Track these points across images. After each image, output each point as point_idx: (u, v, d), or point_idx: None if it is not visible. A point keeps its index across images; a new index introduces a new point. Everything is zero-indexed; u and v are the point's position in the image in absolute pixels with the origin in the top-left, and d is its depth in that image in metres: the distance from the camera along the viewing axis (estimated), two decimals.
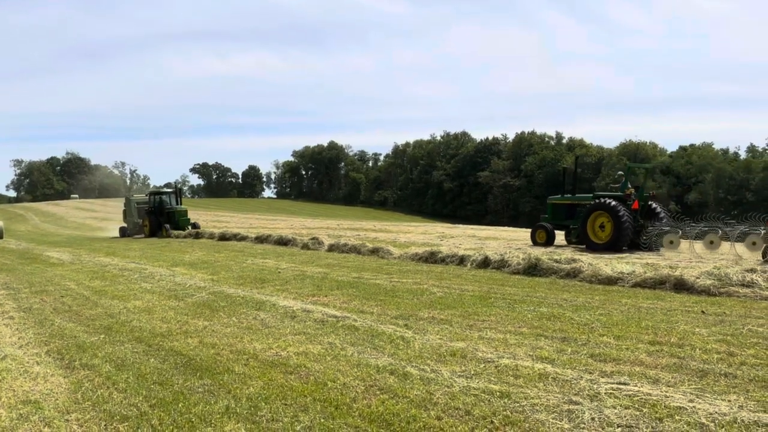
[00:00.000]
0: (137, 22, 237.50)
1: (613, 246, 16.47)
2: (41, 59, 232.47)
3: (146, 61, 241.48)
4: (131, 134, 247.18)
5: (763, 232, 13.68)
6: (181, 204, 33.12)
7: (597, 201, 17.39)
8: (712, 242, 14.44)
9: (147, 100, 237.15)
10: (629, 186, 17.63)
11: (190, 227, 31.16)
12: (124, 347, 7.29)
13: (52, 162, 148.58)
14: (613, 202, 16.77)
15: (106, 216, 59.10)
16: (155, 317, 9.06)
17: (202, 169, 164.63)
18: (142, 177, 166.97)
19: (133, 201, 35.41)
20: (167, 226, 30.55)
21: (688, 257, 14.40)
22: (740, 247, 14.26)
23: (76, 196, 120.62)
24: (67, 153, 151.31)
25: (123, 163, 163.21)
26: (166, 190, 35.88)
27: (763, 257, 13.27)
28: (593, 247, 16.83)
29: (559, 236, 19.43)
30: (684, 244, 15.53)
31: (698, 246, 14.96)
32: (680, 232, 15.36)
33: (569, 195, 20.00)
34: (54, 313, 9.89)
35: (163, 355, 6.84)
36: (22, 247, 28.08)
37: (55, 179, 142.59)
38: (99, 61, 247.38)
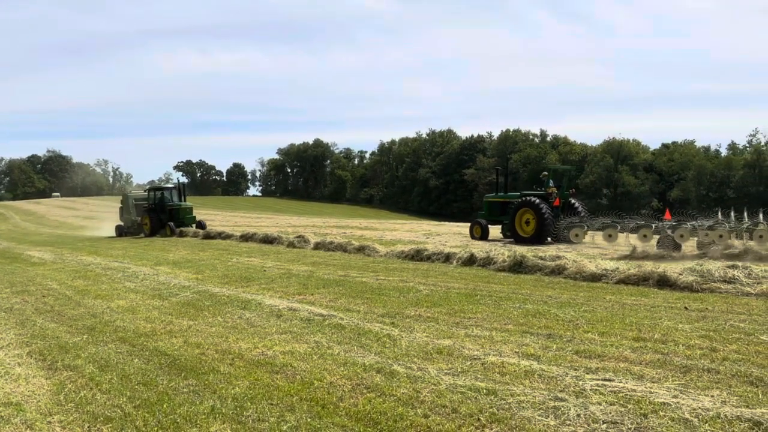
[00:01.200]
0: (120, 18, 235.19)
1: (537, 239, 18.47)
2: (21, 56, 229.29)
3: (129, 58, 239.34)
4: (114, 132, 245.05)
5: (653, 226, 15.48)
6: (185, 201, 31.13)
7: (523, 199, 19.52)
8: (610, 235, 15.98)
9: (130, 97, 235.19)
10: (551, 185, 19.80)
11: (194, 226, 29.43)
12: (108, 347, 7.20)
13: (33, 160, 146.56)
14: (536, 200, 18.97)
15: (89, 214, 58.48)
16: (139, 317, 8.97)
17: (185, 167, 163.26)
18: (124, 175, 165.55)
19: (130, 198, 33.68)
20: (171, 224, 28.65)
21: (591, 247, 16.74)
22: (634, 239, 15.77)
23: (58, 194, 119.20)
24: (48, 151, 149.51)
25: (105, 161, 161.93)
26: (167, 185, 33.96)
27: (657, 248, 15.10)
28: (520, 240, 18.82)
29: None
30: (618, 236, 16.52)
31: (598, 238, 16.72)
32: (586, 226, 17.00)
33: (502, 194, 22.29)
34: (36, 313, 9.76)
35: (147, 355, 6.78)
36: (2, 246, 27.68)
37: (36, 177, 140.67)
38: (81, 57, 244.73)
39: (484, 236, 21.12)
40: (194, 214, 30.61)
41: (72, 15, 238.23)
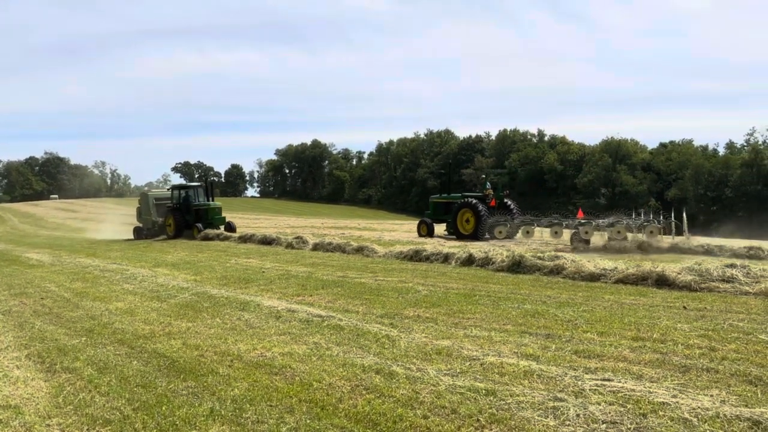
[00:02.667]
0: (117, 18, 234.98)
1: (475, 236, 20.45)
2: (18, 57, 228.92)
3: (126, 59, 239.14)
4: (112, 133, 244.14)
5: (564, 224, 17.76)
6: (213, 200, 28.65)
7: (463, 200, 21.74)
8: (528, 232, 18.45)
9: (128, 99, 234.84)
10: (488, 187, 22.21)
11: (222, 227, 27.04)
12: (106, 350, 7.20)
13: (30, 162, 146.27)
14: (474, 201, 21.23)
15: (87, 216, 58.42)
16: (137, 319, 8.96)
17: (184, 168, 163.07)
18: (122, 177, 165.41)
19: (150, 197, 31.07)
20: (199, 225, 26.23)
21: (514, 242, 18.56)
22: (547, 234, 18.17)
23: (56, 196, 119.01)
24: (46, 153, 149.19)
25: (103, 163, 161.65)
26: (193, 183, 30.78)
27: (570, 243, 16.99)
28: (461, 237, 20.92)
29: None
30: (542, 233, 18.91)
31: (519, 234, 19.21)
32: (508, 225, 19.41)
33: (446, 195, 24.09)
34: (34, 315, 9.74)
35: (146, 357, 6.77)
36: (1, 248, 27.62)
37: (34, 179, 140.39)
38: (78, 58, 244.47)
39: (429, 233, 22.99)
40: (224, 215, 28.11)
41: (69, 15, 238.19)
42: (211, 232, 25.64)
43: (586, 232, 16.58)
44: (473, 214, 20.99)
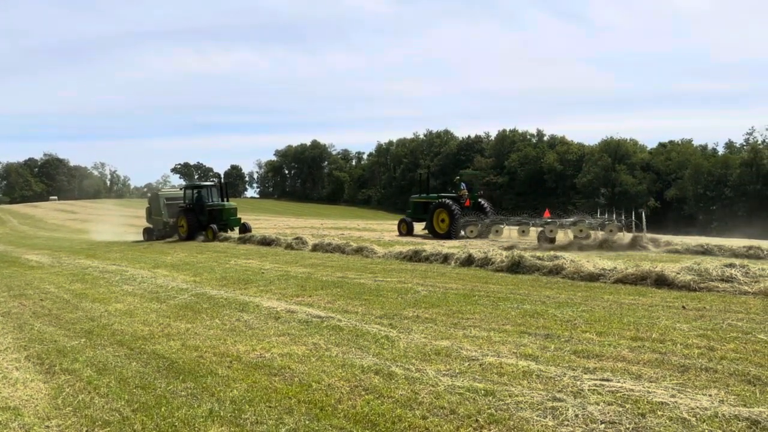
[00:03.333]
0: (116, 20, 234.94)
1: (449, 235, 21.22)
2: (17, 58, 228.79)
3: (125, 60, 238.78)
4: (111, 134, 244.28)
5: (531, 223, 19.09)
6: (227, 200, 27.25)
7: (438, 201, 22.74)
8: (497, 231, 19.79)
9: (127, 100, 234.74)
10: (462, 188, 23.12)
11: (237, 229, 25.96)
12: (106, 351, 7.20)
13: (30, 163, 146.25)
14: (449, 201, 22.19)
15: (87, 218, 58.41)
16: (137, 320, 8.96)
17: (183, 170, 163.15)
18: (122, 178, 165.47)
19: (161, 197, 29.85)
20: (214, 226, 25.00)
21: (483, 240, 19.56)
22: (514, 233, 19.63)
23: (55, 197, 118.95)
24: (45, 154, 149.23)
25: (103, 164, 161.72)
26: (206, 183, 29.26)
27: (537, 241, 17.88)
28: (437, 236, 21.72)
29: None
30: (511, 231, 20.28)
31: (492, 231, 20.27)
32: (479, 224, 20.54)
33: (425, 195, 25.23)
34: (33, 317, 9.74)
35: (145, 358, 6.77)
36: (0, 249, 27.62)
37: (33, 181, 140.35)
38: (77, 59, 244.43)
39: (409, 232, 24.04)
40: (239, 216, 26.95)
41: (68, 17, 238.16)
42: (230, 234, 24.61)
43: (551, 231, 17.81)
44: (448, 214, 21.94)
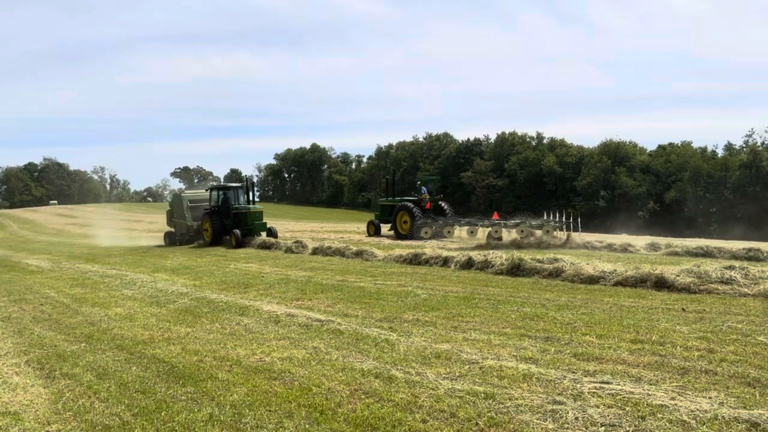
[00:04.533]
0: (115, 24, 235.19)
1: (411, 236, 22.32)
2: (16, 63, 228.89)
3: (125, 64, 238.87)
4: (110, 139, 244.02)
5: (479, 225, 20.49)
6: (254, 203, 25.33)
7: (401, 204, 23.99)
8: (449, 231, 21.07)
9: (126, 104, 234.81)
10: (423, 192, 24.56)
11: (263, 234, 24.03)
12: (106, 355, 7.20)
13: (29, 168, 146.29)
14: (410, 204, 23.54)
15: (86, 222, 58.37)
16: (137, 324, 8.96)
17: (182, 173, 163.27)
18: (122, 182, 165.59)
19: (185, 199, 27.78)
20: (237, 231, 22.85)
21: (439, 240, 20.70)
22: (464, 233, 20.93)
23: (55, 202, 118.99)
24: (45, 159, 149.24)
25: (102, 168, 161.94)
26: (233, 184, 26.54)
27: (486, 240, 19.36)
28: (400, 237, 23.02)
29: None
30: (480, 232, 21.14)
31: (444, 232, 21.37)
32: (433, 226, 21.94)
33: (390, 198, 26.36)
34: (33, 321, 9.74)
35: (146, 362, 6.77)
36: (0, 254, 27.61)
37: (33, 185, 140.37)
38: (76, 64, 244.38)
39: (377, 233, 25.51)
40: (264, 220, 24.98)
41: (67, 21, 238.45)
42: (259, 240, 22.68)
43: (496, 231, 19.52)
44: (409, 216, 23.28)
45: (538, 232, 18.49)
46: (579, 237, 18.31)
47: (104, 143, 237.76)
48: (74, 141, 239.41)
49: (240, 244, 22.44)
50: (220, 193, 25.14)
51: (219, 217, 24.40)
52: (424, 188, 25.09)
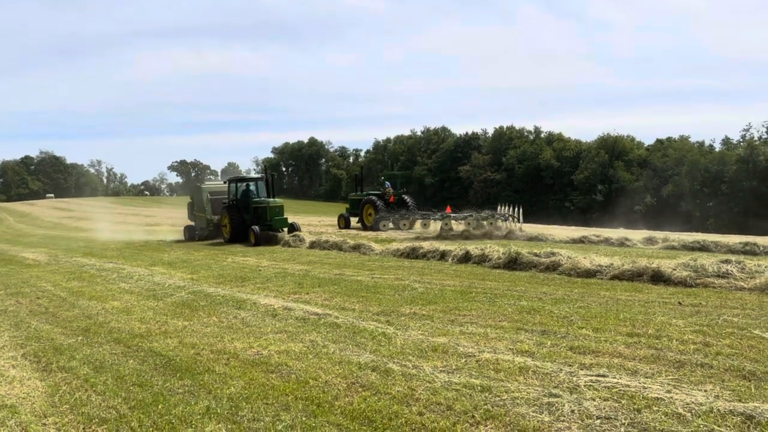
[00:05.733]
0: (111, 18, 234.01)
1: (374, 227, 23.85)
2: (12, 56, 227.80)
3: (121, 58, 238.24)
4: (107, 132, 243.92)
5: (432, 218, 22.16)
6: (274, 196, 23.15)
7: (366, 198, 26.12)
8: (405, 224, 22.81)
9: (123, 98, 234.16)
10: (387, 186, 26.58)
11: (285, 230, 22.20)
12: (103, 349, 7.20)
13: (26, 161, 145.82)
14: (374, 198, 25.66)
15: (83, 215, 58.23)
16: (134, 318, 8.96)
17: (180, 167, 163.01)
18: (119, 175, 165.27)
19: (205, 191, 25.76)
20: (256, 228, 21.04)
21: (401, 231, 22.35)
22: (418, 225, 22.69)
23: (52, 195, 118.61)
24: (41, 152, 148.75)
25: (99, 162, 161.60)
26: (254, 176, 24.86)
27: (439, 231, 20.65)
28: (366, 228, 24.86)
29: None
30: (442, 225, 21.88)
31: (400, 225, 23.02)
32: (390, 218, 23.41)
33: (360, 193, 28.14)
34: (30, 315, 9.73)
35: (142, 356, 6.77)
36: None
37: (29, 179, 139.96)
38: (72, 58, 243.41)
39: (347, 226, 27.21)
40: (286, 215, 22.86)
41: (63, 15, 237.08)
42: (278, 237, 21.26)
43: (446, 224, 21.06)
44: (373, 209, 25.16)
45: (485, 223, 20.62)
46: (521, 228, 20.80)
47: (101, 137, 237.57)
48: (71, 134, 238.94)
49: (259, 242, 20.59)
50: (240, 185, 23.28)
51: (238, 213, 22.44)
52: (387, 183, 27.03)
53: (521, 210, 22.16)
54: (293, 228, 22.71)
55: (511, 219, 21.25)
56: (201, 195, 25.87)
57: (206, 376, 5.84)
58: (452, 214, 21.92)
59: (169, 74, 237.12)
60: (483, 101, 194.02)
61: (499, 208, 22.90)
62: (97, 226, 40.97)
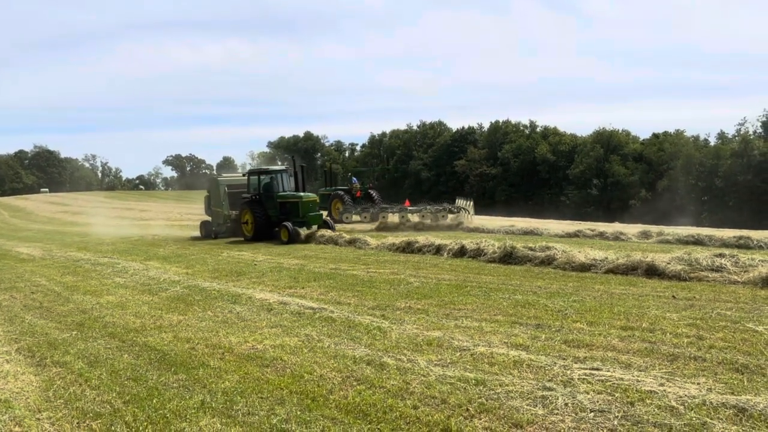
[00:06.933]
0: (106, 11, 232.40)
1: (340, 220, 25.43)
2: (5, 50, 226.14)
3: (116, 52, 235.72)
4: (101, 126, 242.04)
5: (390, 212, 23.93)
6: (305, 190, 21.19)
7: (334, 192, 28.48)
8: (365, 216, 25.09)
9: (117, 92, 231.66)
10: (354, 182, 29.07)
11: (316, 227, 20.18)
12: (97, 343, 7.19)
13: (20, 155, 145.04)
14: (341, 193, 27.94)
15: (78, 210, 58.03)
16: (128, 312, 8.94)
17: (175, 161, 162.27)
18: (113, 170, 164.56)
19: (222, 184, 23.82)
20: (289, 225, 19.02)
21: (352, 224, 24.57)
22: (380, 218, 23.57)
23: (47, 189, 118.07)
24: (35, 146, 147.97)
25: (94, 156, 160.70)
26: (276, 167, 23.03)
27: (398, 220, 22.93)
28: (335, 221, 24.65)
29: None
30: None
31: (356, 218, 25.58)
32: (352, 212, 25.83)
33: (329, 188, 30.51)
34: (24, 309, 9.71)
35: (137, 350, 6.77)
36: None
37: (24, 173, 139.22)
38: (66, 51, 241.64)
39: None
40: (320, 211, 21.34)
41: (57, 9, 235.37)
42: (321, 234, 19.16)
43: (402, 216, 23.28)
44: (341, 203, 27.19)
45: (439, 215, 23.12)
46: (471, 220, 23.20)
47: (95, 131, 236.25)
48: (65, 129, 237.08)
49: (293, 240, 18.68)
50: (262, 177, 21.43)
51: (261, 208, 20.50)
52: (354, 179, 29.41)
53: (473, 204, 24.62)
54: (328, 225, 20.81)
55: (463, 212, 23.36)
56: (218, 188, 23.81)
57: (201, 370, 5.84)
58: (409, 208, 24.48)
59: (164, 68, 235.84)
60: (479, 95, 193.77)
61: (457, 201, 24.98)
62: (92, 221, 40.85)
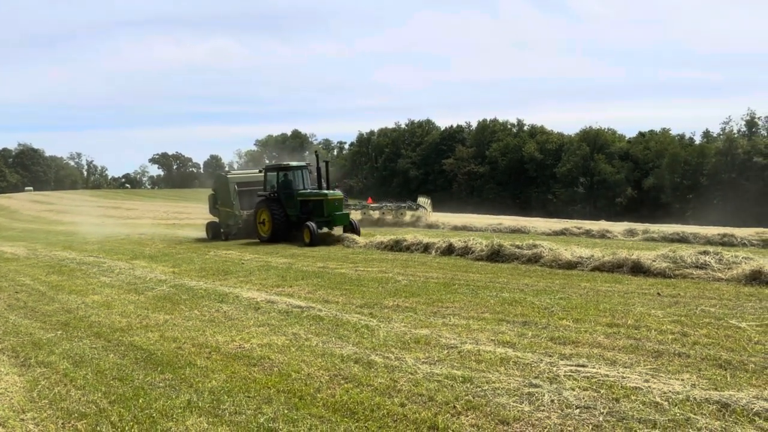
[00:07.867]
0: (92, 8, 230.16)
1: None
2: None
3: (101, 49, 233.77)
4: (87, 124, 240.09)
5: (353, 209, 24.94)
6: (329, 188, 19.48)
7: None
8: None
9: (103, 90, 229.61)
10: None
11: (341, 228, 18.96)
12: (83, 343, 7.13)
13: (4, 153, 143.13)
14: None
15: (63, 209, 57.47)
16: (114, 312, 8.87)
17: (161, 160, 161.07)
18: (99, 168, 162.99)
19: (232, 182, 22.00)
20: (312, 225, 17.49)
21: None
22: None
23: (31, 188, 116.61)
24: (19, 144, 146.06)
25: (79, 154, 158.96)
26: (296, 163, 20.89)
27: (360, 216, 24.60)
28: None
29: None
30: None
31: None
32: None
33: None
34: (8, 309, 9.60)
35: (123, 350, 6.72)
36: None
37: (7, 171, 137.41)
38: (51, 48, 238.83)
39: None
40: (346, 210, 20.11)
41: (42, 5, 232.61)
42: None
43: (364, 213, 25.48)
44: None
45: (399, 212, 24.97)
46: (428, 217, 25.00)
47: (80, 129, 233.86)
48: (50, 126, 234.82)
49: (315, 242, 17.18)
50: (280, 174, 19.87)
51: (280, 207, 19.04)
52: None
53: (431, 202, 27.28)
54: (353, 227, 18.90)
55: (422, 209, 25.35)
56: (227, 186, 22.04)
57: (188, 369, 5.81)
58: (371, 205, 26.51)
59: (150, 65, 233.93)
60: (467, 93, 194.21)
61: (419, 199, 26.91)
62: (78, 220, 40.46)
